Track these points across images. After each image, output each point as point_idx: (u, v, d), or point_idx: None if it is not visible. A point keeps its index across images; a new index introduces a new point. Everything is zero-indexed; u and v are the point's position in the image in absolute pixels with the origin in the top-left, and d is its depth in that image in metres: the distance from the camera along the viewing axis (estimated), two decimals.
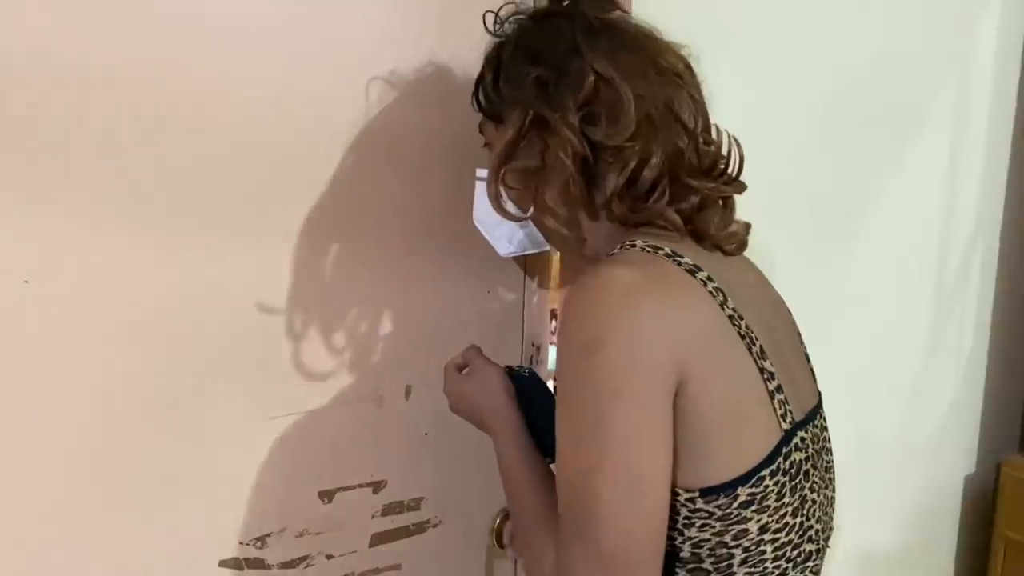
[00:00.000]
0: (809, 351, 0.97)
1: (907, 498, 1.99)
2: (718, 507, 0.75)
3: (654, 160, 0.80)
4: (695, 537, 0.76)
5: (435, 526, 1.18)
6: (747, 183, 0.89)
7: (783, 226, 1.55)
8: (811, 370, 0.94)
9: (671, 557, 0.77)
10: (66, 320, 0.88)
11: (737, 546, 0.76)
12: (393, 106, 1.05)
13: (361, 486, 1.10)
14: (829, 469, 0.89)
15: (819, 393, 0.93)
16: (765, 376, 0.79)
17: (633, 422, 0.71)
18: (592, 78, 0.80)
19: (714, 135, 0.87)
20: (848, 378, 1.75)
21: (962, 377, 2.08)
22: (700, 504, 0.75)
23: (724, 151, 0.87)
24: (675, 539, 0.77)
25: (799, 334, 0.96)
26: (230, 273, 0.97)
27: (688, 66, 0.87)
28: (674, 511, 0.76)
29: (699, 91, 0.87)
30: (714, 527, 0.76)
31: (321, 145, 1.01)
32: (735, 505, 0.75)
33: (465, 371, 0.97)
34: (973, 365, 2.11)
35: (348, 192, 1.04)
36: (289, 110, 0.98)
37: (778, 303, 0.95)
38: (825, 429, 0.90)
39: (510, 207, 0.91)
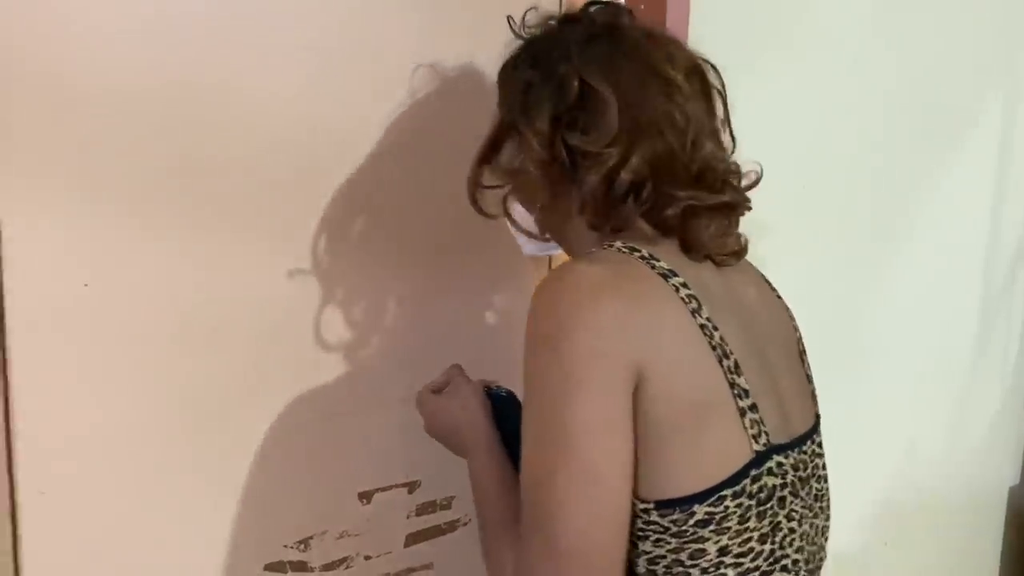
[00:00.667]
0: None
1: (952, 508, 1.96)
2: (673, 522, 0.72)
3: (633, 166, 0.79)
4: (651, 552, 0.74)
5: (464, 524, 1.20)
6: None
7: (827, 234, 1.55)
8: (812, 393, 0.91)
9: (627, 572, 0.75)
10: (120, 323, 0.91)
11: (694, 566, 0.73)
12: (421, 108, 1.07)
13: (397, 486, 1.13)
14: (820, 498, 0.85)
15: (817, 417, 0.89)
16: (736, 392, 0.75)
17: (589, 417, 0.70)
18: (576, 83, 0.80)
19: (726, 145, 0.86)
20: (893, 388, 1.74)
21: (1008, 387, 2.05)
22: (655, 517, 0.73)
23: (731, 164, 0.85)
24: (630, 552, 0.74)
25: (802, 354, 0.93)
26: (271, 280, 1.00)
27: (700, 75, 0.84)
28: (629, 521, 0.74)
29: (704, 100, 0.84)
30: (669, 543, 0.73)
31: (353, 148, 1.04)
32: (691, 523, 0.72)
33: (446, 390, 0.97)
34: (1019, 375, 2.07)
35: (381, 195, 1.06)
36: (318, 117, 1.00)
37: (780, 321, 0.91)
38: (819, 456, 0.86)
39: (487, 205, 0.92)
